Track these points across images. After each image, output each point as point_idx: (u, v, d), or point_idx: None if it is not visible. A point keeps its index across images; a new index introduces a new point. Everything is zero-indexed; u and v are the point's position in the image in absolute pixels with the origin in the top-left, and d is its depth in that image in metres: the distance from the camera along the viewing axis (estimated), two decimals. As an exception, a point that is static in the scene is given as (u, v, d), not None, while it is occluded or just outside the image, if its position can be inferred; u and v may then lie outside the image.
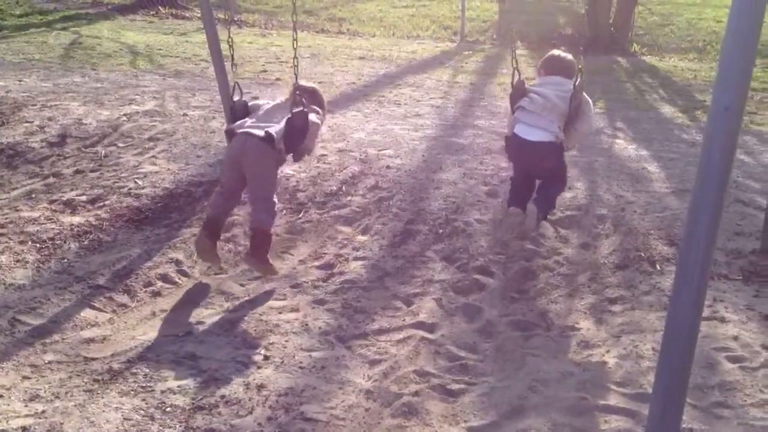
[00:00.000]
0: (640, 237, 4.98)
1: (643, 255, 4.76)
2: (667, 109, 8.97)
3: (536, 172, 4.83)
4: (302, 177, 5.96)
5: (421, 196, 5.63)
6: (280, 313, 4.20)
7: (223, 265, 4.81)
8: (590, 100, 4.78)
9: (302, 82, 4.75)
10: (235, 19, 15.35)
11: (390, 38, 14.15)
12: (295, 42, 4.64)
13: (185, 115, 7.46)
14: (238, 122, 4.70)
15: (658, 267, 4.62)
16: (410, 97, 8.95)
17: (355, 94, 8.90)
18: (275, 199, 4.63)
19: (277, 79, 9.81)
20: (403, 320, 4.14)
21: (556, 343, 3.94)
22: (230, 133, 4.66)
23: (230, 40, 4.90)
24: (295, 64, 4.63)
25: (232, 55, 4.94)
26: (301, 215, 5.40)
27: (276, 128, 4.54)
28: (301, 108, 4.58)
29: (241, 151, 4.50)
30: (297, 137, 4.60)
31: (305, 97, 4.71)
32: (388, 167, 6.12)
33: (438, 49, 12.95)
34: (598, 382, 3.48)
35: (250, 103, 4.93)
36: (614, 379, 3.51)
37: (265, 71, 10.35)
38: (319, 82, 9.52)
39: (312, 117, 4.71)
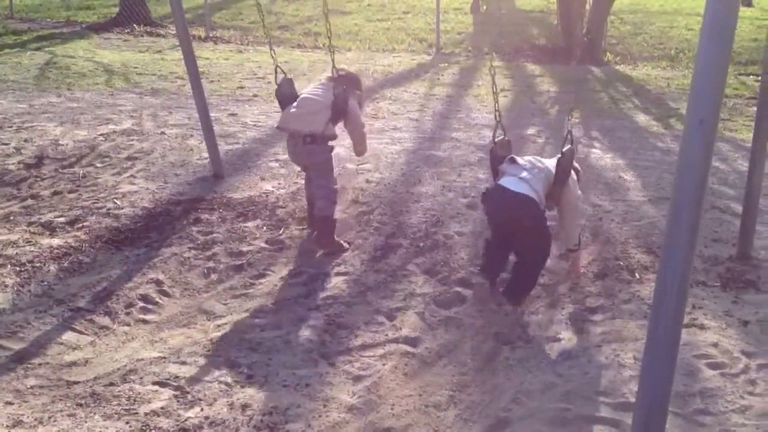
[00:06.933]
0: (619, 246, 5.03)
1: (622, 264, 4.81)
2: (642, 118, 9.08)
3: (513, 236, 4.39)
4: (282, 193, 5.96)
5: (401, 209, 5.65)
6: (262, 330, 4.19)
7: (202, 283, 4.79)
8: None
9: (343, 67, 5.25)
10: (210, 35, 15.33)
11: (366, 52, 14.21)
12: (327, 22, 5.03)
13: (163, 133, 7.44)
14: (285, 110, 5.15)
15: (637, 275, 4.67)
16: (387, 110, 8.98)
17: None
18: (333, 186, 5.15)
19: (255, 96, 9.81)
20: (386, 335, 4.14)
21: (538, 355, 3.96)
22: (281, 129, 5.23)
23: (272, 52, 5.49)
24: (328, 33, 5.06)
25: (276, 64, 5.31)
26: (281, 231, 5.40)
27: (317, 122, 4.94)
28: (342, 89, 4.99)
29: (293, 153, 5.19)
30: (340, 116, 5.07)
31: (346, 81, 5.11)
32: (367, 181, 6.14)
33: (414, 62, 13.02)
34: (581, 393, 3.51)
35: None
36: (597, 388, 3.54)
37: (242, 87, 10.36)
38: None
39: (351, 103, 5.06)
